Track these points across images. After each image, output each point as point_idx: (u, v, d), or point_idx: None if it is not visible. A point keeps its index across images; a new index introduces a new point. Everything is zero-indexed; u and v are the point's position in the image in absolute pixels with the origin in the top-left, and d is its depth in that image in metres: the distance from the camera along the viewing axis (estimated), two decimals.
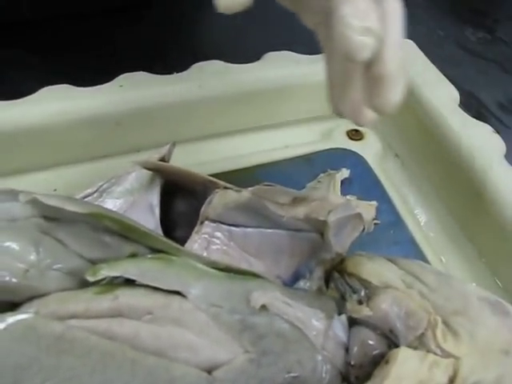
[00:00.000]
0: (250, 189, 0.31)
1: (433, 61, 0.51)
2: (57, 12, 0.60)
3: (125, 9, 0.62)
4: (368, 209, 0.30)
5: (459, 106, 0.47)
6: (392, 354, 0.25)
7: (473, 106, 0.55)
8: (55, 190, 0.43)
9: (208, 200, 0.33)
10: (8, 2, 0.58)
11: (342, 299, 0.30)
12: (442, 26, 0.66)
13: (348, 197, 0.40)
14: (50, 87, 0.44)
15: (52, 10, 0.59)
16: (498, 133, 0.45)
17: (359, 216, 0.30)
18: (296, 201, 0.29)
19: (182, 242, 0.33)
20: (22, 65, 0.54)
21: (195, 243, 0.33)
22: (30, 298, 0.27)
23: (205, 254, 0.32)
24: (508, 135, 0.50)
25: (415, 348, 0.26)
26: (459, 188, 0.43)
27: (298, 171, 0.43)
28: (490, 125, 0.45)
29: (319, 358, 0.26)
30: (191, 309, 0.26)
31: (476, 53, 0.63)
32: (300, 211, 0.29)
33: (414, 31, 0.62)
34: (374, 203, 0.30)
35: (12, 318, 0.24)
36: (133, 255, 0.28)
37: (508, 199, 0.39)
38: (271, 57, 0.48)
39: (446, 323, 0.27)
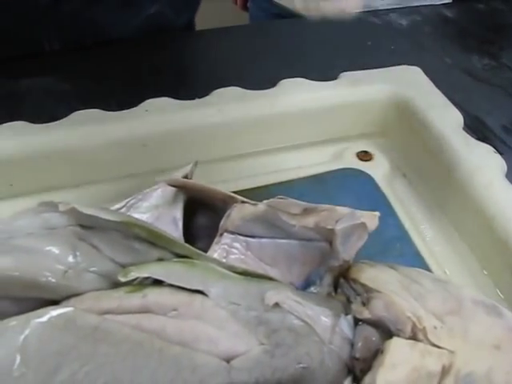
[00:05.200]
0: (265, 201, 0.34)
1: (440, 87, 0.54)
2: (83, 41, 0.64)
3: (148, 38, 0.66)
4: (371, 218, 0.32)
5: (465, 129, 0.50)
6: (386, 344, 0.28)
7: (478, 129, 0.58)
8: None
9: (227, 214, 0.36)
10: (37, 35, 0.63)
11: (348, 302, 0.33)
12: (449, 54, 0.69)
13: None
14: (80, 111, 0.47)
15: (78, 39, 0.63)
16: (502, 154, 0.48)
17: (364, 225, 0.32)
18: (306, 211, 0.32)
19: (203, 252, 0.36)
20: (54, 92, 0.58)
21: (215, 253, 0.35)
22: (68, 297, 0.30)
23: None
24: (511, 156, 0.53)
25: None
26: (463, 205, 0.45)
27: (310, 190, 0.46)
28: (495, 146, 0.48)
29: (326, 350, 0.29)
30: (212, 306, 0.29)
31: (482, 79, 0.66)
32: (310, 221, 0.32)
33: (421, 58, 0.66)
34: (377, 213, 0.33)
35: (54, 312, 0.27)
36: (159, 260, 0.31)
37: (508, 214, 0.41)
38: (286, 83, 0.51)
39: (441, 321, 0.30)
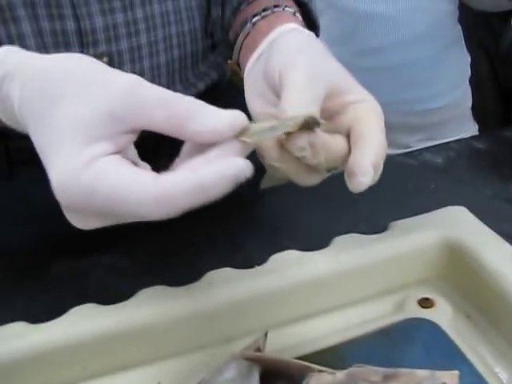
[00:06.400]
0: (344, 371, 0.34)
1: (485, 219, 0.55)
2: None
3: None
4: (452, 377, 0.33)
5: None
6: None
7: None
8: (159, 383, 0.47)
9: (304, 383, 0.37)
10: None
11: None
12: (488, 185, 0.71)
13: None
14: (146, 289, 0.49)
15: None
16: None
17: None
18: (387, 378, 0.33)
19: None
20: (115, 268, 0.61)
21: None
22: None
23: None
24: None
25: None
26: None
27: (378, 345, 0.47)
28: None
29: None
30: None
31: None
32: None
33: (462, 193, 0.68)
34: (457, 372, 0.33)
35: None
36: None
37: None
38: (340, 241, 0.53)
39: None
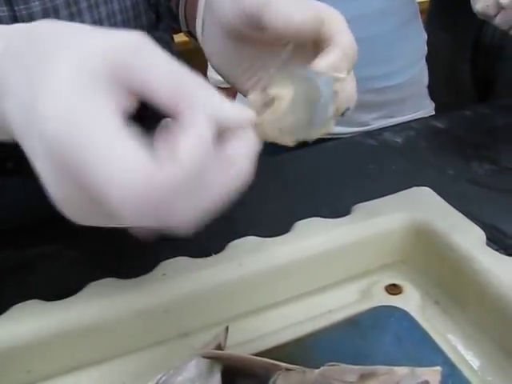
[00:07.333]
0: (316, 370, 0.32)
1: (450, 200, 0.53)
2: None
3: None
4: (433, 374, 0.30)
5: (486, 241, 0.49)
6: None
7: (498, 237, 0.56)
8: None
9: (271, 382, 0.34)
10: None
11: None
12: (450, 165, 0.69)
13: None
14: (95, 282, 0.46)
15: None
16: None
17: (427, 383, 0.30)
18: (364, 377, 0.30)
19: None
20: (63, 260, 0.57)
21: None
22: None
23: None
24: None
25: None
26: (504, 324, 0.43)
27: (346, 335, 0.45)
28: None
29: None
30: None
31: (487, 185, 0.65)
32: None
33: (424, 174, 0.66)
34: (439, 368, 0.31)
35: None
36: None
37: None
38: (301, 226, 0.51)
39: None
